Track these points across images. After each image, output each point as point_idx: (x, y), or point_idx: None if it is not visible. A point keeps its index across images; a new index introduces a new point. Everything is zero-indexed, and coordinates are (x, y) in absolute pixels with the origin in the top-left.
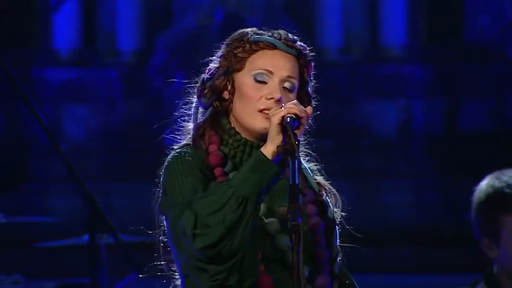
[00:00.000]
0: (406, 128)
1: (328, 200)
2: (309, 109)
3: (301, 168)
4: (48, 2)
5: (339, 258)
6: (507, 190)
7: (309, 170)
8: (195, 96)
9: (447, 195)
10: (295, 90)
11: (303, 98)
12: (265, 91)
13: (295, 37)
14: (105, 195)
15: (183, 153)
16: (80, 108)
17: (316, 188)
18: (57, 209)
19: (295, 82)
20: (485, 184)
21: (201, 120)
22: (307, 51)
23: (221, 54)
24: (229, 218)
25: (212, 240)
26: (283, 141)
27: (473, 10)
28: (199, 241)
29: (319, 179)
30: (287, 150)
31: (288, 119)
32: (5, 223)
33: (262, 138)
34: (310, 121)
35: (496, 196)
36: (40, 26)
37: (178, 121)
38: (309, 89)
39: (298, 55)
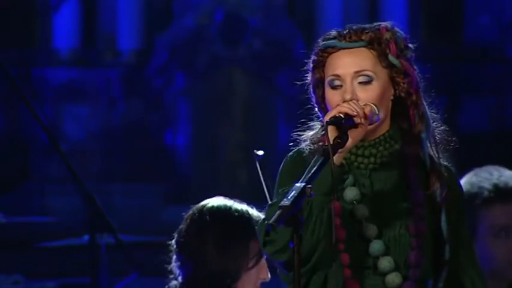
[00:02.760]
0: None
1: (437, 191)
2: (368, 107)
3: (331, 167)
4: (48, 2)
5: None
6: (483, 184)
7: (427, 159)
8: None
9: None
10: (377, 79)
11: (395, 80)
12: (340, 96)
13: (366, 26)
14: (105, 195)
15: (292, 156)
16: (80, 108)
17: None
18: (57, 209)
19: (369, 73)
20: (463, 181)
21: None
22: (383, 34)
23: (308, 67)
24: None
25: (280, 245)
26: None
27: (473, 10)
28: (269, 248)
29: (437, 169)
30: (325, 150)
31: (332, 119)
32: (5, 223)
33: (363, 138)
34: (423, 107)
35: (472, 191)
36: (40, 25)
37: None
38: (403, 67)
39: (370, 43)
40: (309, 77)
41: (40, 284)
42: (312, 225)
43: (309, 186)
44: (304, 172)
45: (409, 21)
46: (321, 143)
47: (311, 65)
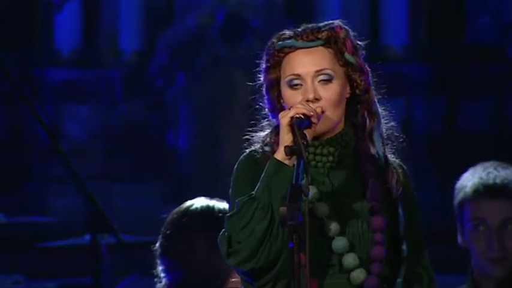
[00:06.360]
0: (405, 127)
1: (393, 187)
2: (319, 109)
3: (307, 168)
4: (49, 2)
5: (405, 241)
6: (473, 180)
7: (380, 156)
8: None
9: (447, 195)
10: (336, 77)
11: (351, 78)
12: (300, 95)
13: (320, 24)
14: (106, 195)
15: (244, 161)
16: (81, 108)
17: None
18: (58, 209)
19: (329, 71)
20: (465, 175)
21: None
22: (338, 32)
23: (262, 68)
24: (257, 229)
25: (245, 255)
26: (294, 141)
27: (473, 10)
28: (233, 259)
29: (391, 165)
30: (294, 150)
31: (295, 120)
32: (6, 223)
33: (317, 138)
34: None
35: (463, 184)
36: (41, 25)
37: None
38: (358, 65)
39: (327, 42)
40: (261, 77)
41: (41, 284)
42: (274, 235)
43: (302, 185)
44: (258, 176)
45: (409, 21)
46: (288, 145)
47: (265, 65)
